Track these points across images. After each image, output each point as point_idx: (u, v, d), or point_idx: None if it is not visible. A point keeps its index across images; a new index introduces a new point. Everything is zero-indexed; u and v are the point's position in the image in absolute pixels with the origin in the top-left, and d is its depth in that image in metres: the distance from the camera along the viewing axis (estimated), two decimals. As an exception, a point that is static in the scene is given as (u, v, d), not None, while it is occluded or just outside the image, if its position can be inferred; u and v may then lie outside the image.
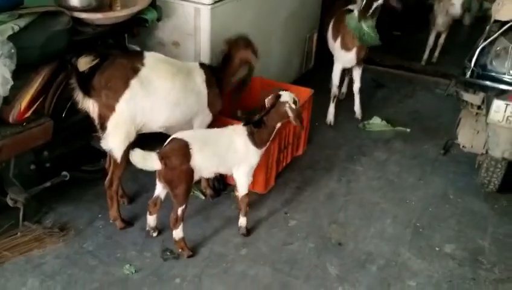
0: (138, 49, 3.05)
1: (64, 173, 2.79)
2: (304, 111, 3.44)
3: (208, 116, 2.84)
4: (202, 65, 2.81)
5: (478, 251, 2.75)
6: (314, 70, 4.75)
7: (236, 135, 2.60)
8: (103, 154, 3.11)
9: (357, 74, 3.93)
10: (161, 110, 2.60)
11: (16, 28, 2.40)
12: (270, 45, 3.86)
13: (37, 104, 2.58)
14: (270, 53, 3.86)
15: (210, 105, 2.80)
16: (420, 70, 5.09)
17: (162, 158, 2.37)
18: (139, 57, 2.56)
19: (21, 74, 2.40)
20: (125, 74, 2.46)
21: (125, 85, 2.44)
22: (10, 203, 2.60)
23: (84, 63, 2.36)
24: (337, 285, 2.48)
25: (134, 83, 2.46)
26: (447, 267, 2.63)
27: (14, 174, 2.60)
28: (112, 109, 2.45)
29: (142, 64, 2.51)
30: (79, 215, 2.89)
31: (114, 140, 2.53)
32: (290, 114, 2.54)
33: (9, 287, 2.40)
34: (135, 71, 2.48)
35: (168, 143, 2.47)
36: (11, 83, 2.30)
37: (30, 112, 2.56)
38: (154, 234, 2.72)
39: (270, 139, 2.69)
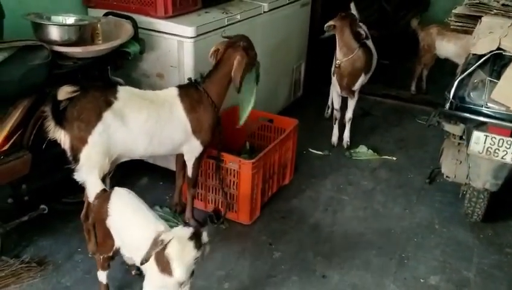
0: (121, 81, 3.06)
1: (43, 206, 2.75)
2: (290, 140, 3.46)
3: (195, 145, 2.77)
4: (181, 91, 2.71)
5: (463, 282, 2.71)
6: (303, 98, 4.79)
7: None
8: (82, 188, 3.09)
9: (350, 104, 3.99)
10: (136, 142, 2.59)
11: (-7, 63, 2.40)
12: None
13: (15, 137, 2.56)
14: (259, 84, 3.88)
15: (195, 132, 2.72)
16: (407, 99, 5.12)
17: None
18: (112, 90, 2.56)
19: (-1, 108, 2.40)
20: (97, 106, 2.45)
21: (98, 117, 2.44)
22: (-14, 238, 2.55)
23: (64, 93, 2.36)
24: (319, 320, 2.43)
25: (106, 115, 2.45)
26: (432, 300, 2.59)
27: (-10, 208, 2.56)
28: (84, 141, 2.44)
29: (115, 98, 2.50)
30: (58, 249, 2.84)
31: (87, 172, 2.50)
32: None
33: (-19, 326, 2.34)
34: (108, 104, 2.47)
35: None
36: (-12, 117, 2.29)
37: (8, 145, 2.54)
38: (133, 272, 2.66)
39: None
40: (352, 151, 4.02)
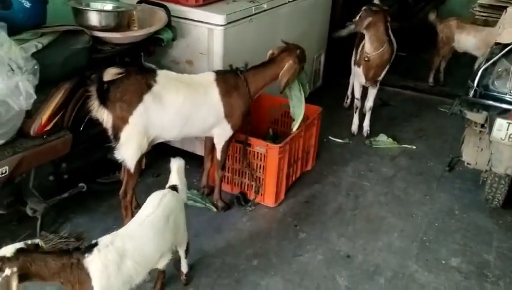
0: (154, 67, 3.17)
1: (82, 184, 2.88)
2: (313, 127, 3.56)
3: (226, 129, 2.90)
4: (218, 76, 2.84)
5: (483, 264, 2.80)
6: (322, 88, 4.87)
7: None
8: (119, 167, 3.22)
9: (371, 94, 4.09)
10: (173, 123, 2.72)
11: (39, 46, 2.52)
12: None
13: (57, 118, 2.69)
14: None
15: (228, 116, 2.85)
16: (425, 90, 5.20)
17: None
18: (152, 74, 2.68)
19: (43, 89, 2.52)
20: (139, 89, 2.58)
21: (139, 99, 2.56)
22: (29, 212, 2.69)
23: (110, 75, 2.49)
24: (346, 296, 2.55)
25: (147, 97, 2.58)
26: (453, 279, 2.69)
27: (33, 185, 2.70)
28: (125, 121, 2.57)
29: (155, 81, 2.63)
30: (94, 226, 2.97)
31: (127, 151, 2.64)
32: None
33: (28, 294, 2.47)
34: (148, 86, 2.60)
35: None
36: (35, 97, 2.40)
37: (50, 125, 2.67)
38: None
39: None
40: (372, 139, 4.11)
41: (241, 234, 2.95)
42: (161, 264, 2.30)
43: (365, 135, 4.18)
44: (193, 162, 3.55)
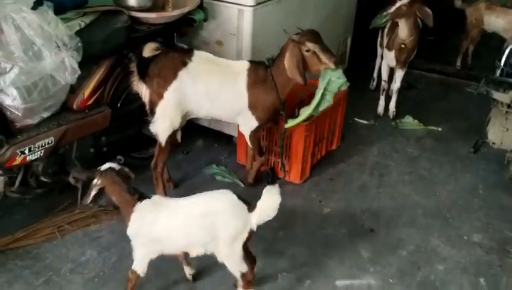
0: (186, 47, 3.30)
1: (119, 157, 3.04)
2: (339, 107, 3.64)
3: (251, 119, 2.89)
4: (251, 66, 2.82)
5: (505, 241, 2.86)
6: (348, 71, 4.90)
7: None
8: (152, 143, 3.39)
9: (398, 75, 4.15)
10: (201, 102, 2.82)
11: (82, 25, 2.70)
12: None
13: (97, 93, 2.87)
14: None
15: (251, 107, 2.84)
16: (452, 74, 5.19)
17: None
18: (189, 52, 2.83)
19: (85, 66, 2.68)
20: (175, 66, 2.72)
21: (174, 76, 2.71)
22: (72, 181, 2.87)
23: (149, 50, 2.65)
24: (369, 266, 2.65)
25: (181, 74, 2.71)
26: (475, 254, 2.76)
27: (75, 156, 2.88)
28: (160, 96, 2.73)
29: (190, 60, 2.76)
30: (130, 197, 3.15)
31: (160, 125, 2.81)
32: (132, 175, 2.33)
33: (70, 256, 2.67)
34: (184, 64, 2.73)
35: None
36: (79, 72, 2.58)
37: (92, 100, 2.85)
38: None
39: None
40: (398, 121, 4.17)
41: (268, 207, 3.07)
42: (192, 253, 2.25)
43: (391, 116, 4.24)
44: (221, 139, 3.71)
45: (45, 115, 2.61)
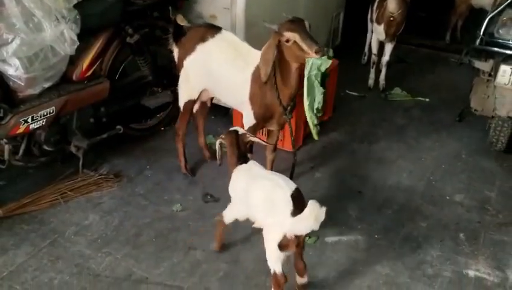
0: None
1: (119, 126, 3.18)
2: (330, 79, 3.76)
3: (249, 113, 2.72)
4: None
5: (485, 200, 3.03)
6: (341, 46, 5.03)
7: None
8: (150, 114, 3.53)
9: (388, 49, 4.29)
10: (214, 81, 2.84)
11: (80, -2, 2.80)
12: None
13: (96, 65, 2.99)
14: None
15: (251, 100, 2.69)
16: (442, 48, 5.32)
17: None
18: (215, 30, 2.82)
19: (83, 39, 2.80)
20: (197, 39, 2.82)
21: (193, 48, 2.82)
22: (73, 150, 3.01)
23: (180, 19, 2.84)
24: (356, 224, 2.82)
25: (199, 48, 2.80)
26: (456, 212, 2.93)
27: (76, 126, 3.02)
28: (181, 63, 2.89)
29: (212, 37, 2.79)
30: (130, 166, 3.30)
31: (180, 90, 2.99)
32: (256, 140, 2.44)
33: (74, 220, 2.82)
34: (204, 40, 2.80)
35: None
36: (78, 43, 2.70)
37: (90, 71, 2.98)
38: None
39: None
40: (387, 93, 4.32)
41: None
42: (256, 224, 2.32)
43: (381, 88, 4.38)
44: (219, 112, 3.84)
45: (46, 85, 2.73)
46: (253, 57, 2.67)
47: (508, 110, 3.05)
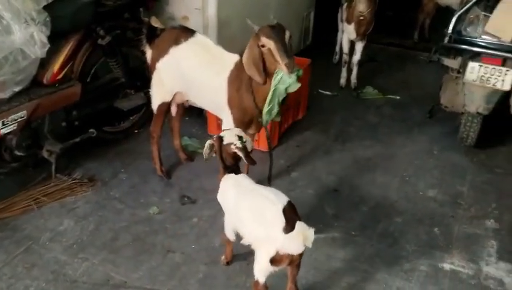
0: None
1: (92, 130, 3.13)
2: (303, 79, 3.80)
3: (229, 118, 2.69)
4: (239, 62, 2.57)
5: (457, 194, 3.12)
6: (312, 46, 5.09)
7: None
8: (123, 117, 3.48)
9: (358, 48, 4.36)
10: (188, 84, 2.80)
11: (50, 0, 2.74)
12: (270, 21, 4.18)
13: (67, 68, 2.94)
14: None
15: (230, 104, 2.66)
16: (410, 47, 5.45)
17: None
18: (188, 33, 2.79)
19: (54, 41, 2.74)
20: (170, 42, 2.78)
21: (166, 51, 2.79)
22: (45, 155, 2.94)
23: (155, 21, 2.82)
24: (333, 221, 2.85)
25: (172, 51, 2.77)
26: (430, 207, 3.00)
27: (48, 130, 2.95)
28: (154, 65, 2.86)
29: (185, 40, 2.75)
30: (103, 170, 3.24)
31: (152, 92, 2.97)
32: (241, 154, 2.24)
33: (48, 226, 2.76)
34: (177, 43, 2.76)
35: None
36: (48, 45, 2.64)
37: (61, 74, 2.91)
38: None
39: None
40: (359, 91, 4.39)
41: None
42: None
43: (353, 87, 4.45)
44: (192, 113, 3.81)
45: (16, 89, 2.66)
46: (228, 60, 2.66)
47: (477, 106, 3.15)
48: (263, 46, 2.37)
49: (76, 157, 3.29)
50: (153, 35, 2.87)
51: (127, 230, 2.76)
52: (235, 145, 2.24)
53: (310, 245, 1.93)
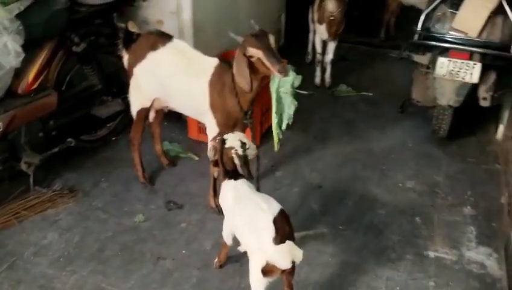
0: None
1: (70, 139, 3.06)
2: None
3: (212, 122, 2.68)
4: (219, 65, 2.61)
5: (434, 184, 3.23)
6: (285, 47, 5.14)
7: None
8: (101, 125, 3.42)
9: (330, 47, 4.44)
10: (166, 90, 2.76)
11: (21, 8, 2.66)
12: (246, 23, 4.20)
13: (42, 77, 2.87)
14: (245, 31, 4.21)
15: (212, 108, 2.64)
16: (378, 45, 5.60)
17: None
18: (167, 39, 2.75)
19: (27, 50, 2.66)
20: (147, 47, 2.75)
21: (143, 56, 2.75)
22: (24, 167, 2.86)
23: (131, 25, 2.78)
24: (320, 217, 2.90)
25: (149, 56, 2.74)
26: (410, 198, 3.10)
27: (25, 141, 2.87)
28: (131, 71, 2.82)
29: (163, 45, 2.72)
30: (83, 180, 3.18)
31: (131, 98, 2.93)
32: (237, 162, 2.24)
33: (32, 241, 2.68)
34: (154, 48, 2.72)
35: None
36: (23, 55, 2.57)
37: (36, 84, 2.84)
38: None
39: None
40: (333, 89, 4.49)
41: (222, 176, 3.23)
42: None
43: (327, 85, 4.54)
44: (171, 118, 3.78)
45: (-9, 100, 2.57)
46: (208, 64, 2.65)
47: (448, 99, 3.28)
48: (251, 56, 2.37)
49: (54, 168, 3.21)
50: (130, 40, 2.84)
51: (113, 240, 2.72)
52: (235, 151, 2.22)
53: (298, 262, 1.92)
